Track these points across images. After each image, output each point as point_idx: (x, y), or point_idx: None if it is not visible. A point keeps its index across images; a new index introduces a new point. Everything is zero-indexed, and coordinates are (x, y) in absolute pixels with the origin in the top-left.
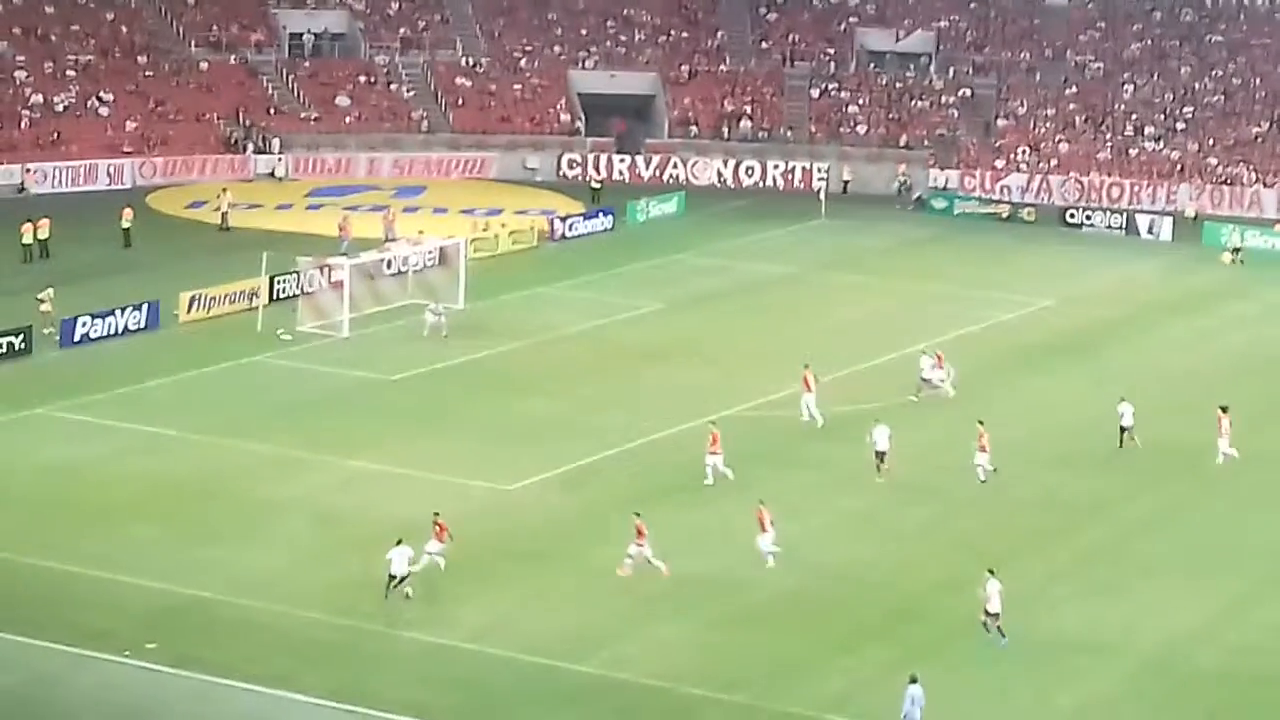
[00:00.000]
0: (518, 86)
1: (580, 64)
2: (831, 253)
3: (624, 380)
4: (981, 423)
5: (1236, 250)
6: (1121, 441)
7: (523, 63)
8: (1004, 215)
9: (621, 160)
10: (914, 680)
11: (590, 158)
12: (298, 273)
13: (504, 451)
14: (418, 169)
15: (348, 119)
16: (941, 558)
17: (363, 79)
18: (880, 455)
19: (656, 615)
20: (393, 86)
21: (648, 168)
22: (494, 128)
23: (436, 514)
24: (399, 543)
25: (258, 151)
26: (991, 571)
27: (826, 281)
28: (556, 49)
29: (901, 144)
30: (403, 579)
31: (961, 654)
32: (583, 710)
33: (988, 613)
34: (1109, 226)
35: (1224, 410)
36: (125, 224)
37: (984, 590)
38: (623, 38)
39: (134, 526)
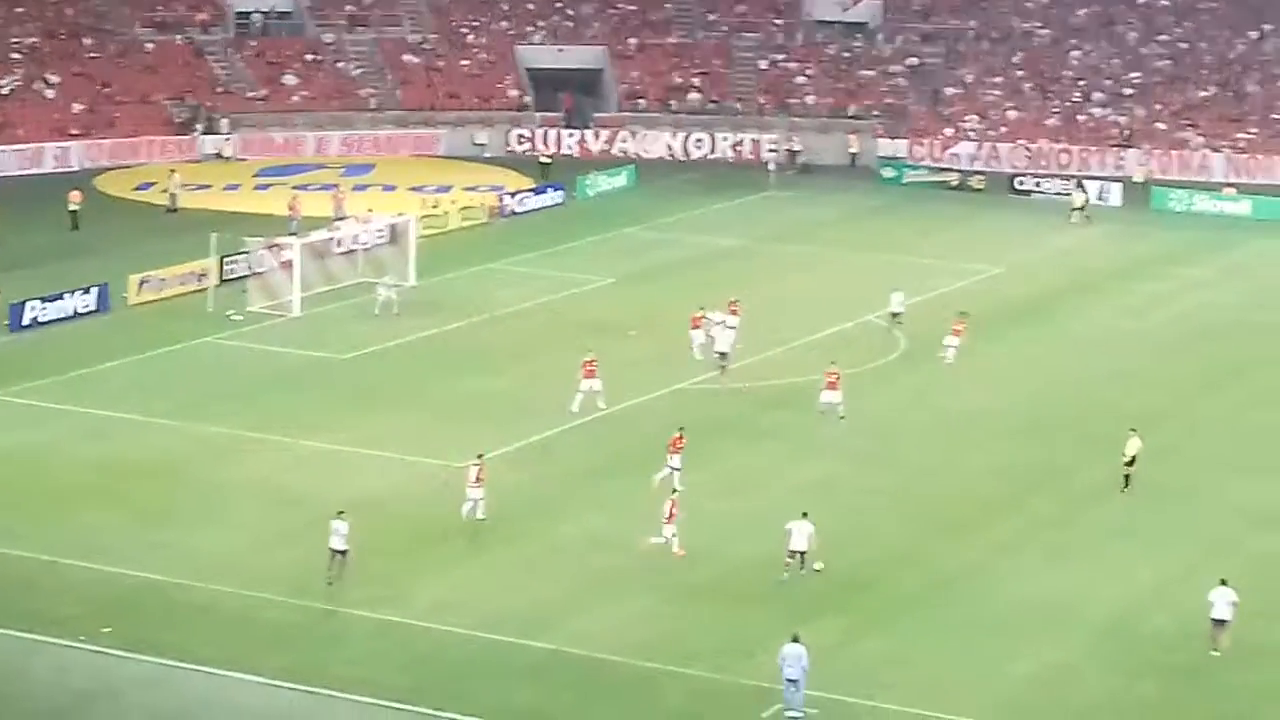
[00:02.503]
0: (465, 63)
1: (527, 39)
2: (782, 224)
3: (576, 355)
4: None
5: (1080, 208)
6: (891, 327)
7: (470, 39)
8: (953, 184)
9: (570, 135)
10: (795, 639)
11: (539, 133)
12: (247, 253)
13: (457, 428)
14: (366, 147)
15: (295, 98)
16: (897, 527)
17: (310, 57)
18: (722, 355)
19: (613, 589)
20: (340, 64)
21: (597, 142)
22: (442, 104)
23: (480, 455)
24: (340, 514)
25: (205, 132)
26: (805, 514)
27: (778, 253)
28: (503, 24)
29: (850, 114)
30: (340, 554)
31: (918, 622)
32: (539, 685)
33: (791, 551)
34: (1058, 193)
35: (963, 315)
36: (73, 207)
37: (791, 529)
38: (569, 12)
39: (87, 511)
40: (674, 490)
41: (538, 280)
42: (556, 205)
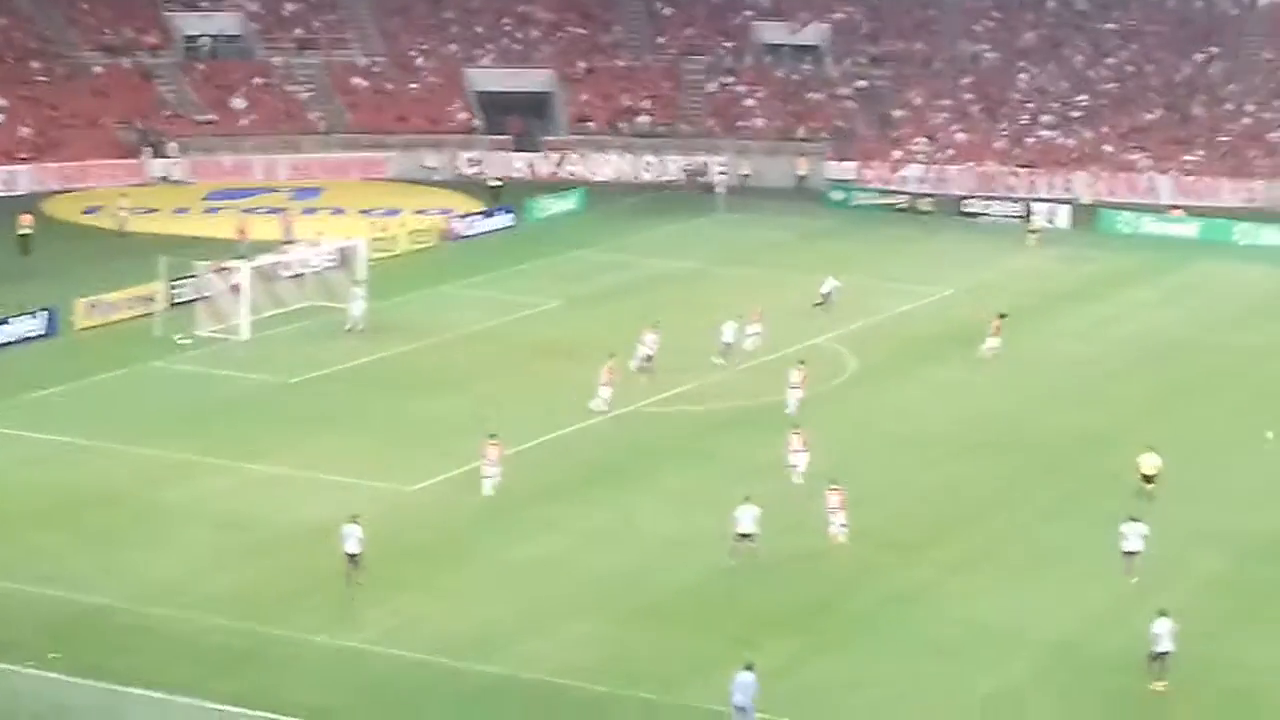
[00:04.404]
0: (414, 86)
1: (476, 62)
2: (731, 246)
3: (526, 378)
4: (797, 430)
5: (1034, 231)
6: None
7: (419, 62)
8: (902, 206)
9: (520, 158)
10: (748, 668)
11: (489, 156)
12: (196, 276)
13: (406, 451)
14: (315, 170)
15: (244, 121)
16: (846, 548)
17: (258, 81)
18: (647, 363)
19: (563, 613)
20: (288, 88)
21: (546, 165)
22: (391, 127)
23: (493, 435)
24: (353, 520)
25: (154, 155)
26: (748, 498)
27: (727, 275)
28: (452, 47)
29: (799, 136)
30: (353, 558)
31: (870, 643)
32: (490, 710)
33: (739, 534)
34: (1006, 215)
35: (1002, 316)
36: (23, 231)
37: (735, 514)
38: (519, 35)
39: (35, 535)
40: (797, 482)
41: (488, 303)
42: (506, 228)
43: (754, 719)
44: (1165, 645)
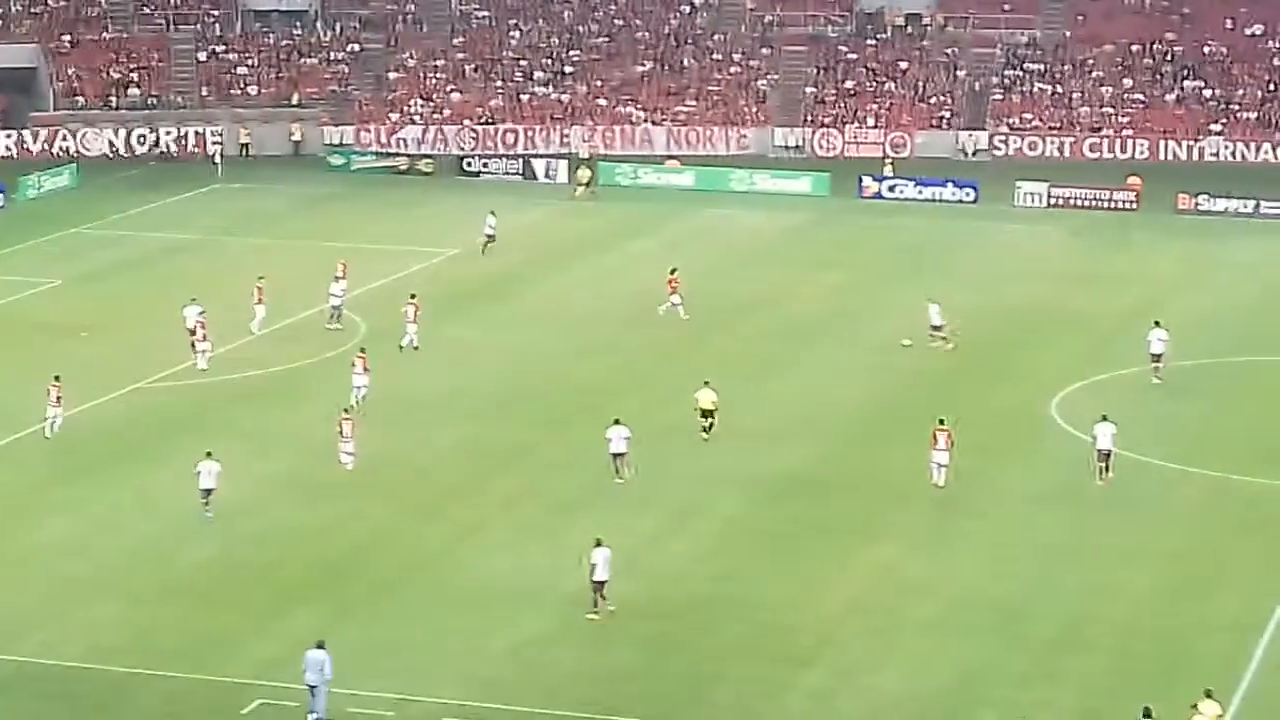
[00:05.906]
0: None
1: None
2: (232, 217)
3: (29, 360)
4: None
5: (586, 184)
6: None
7: None
8: (402, 168)
9: (7, 135)
10: (319, 645)
11: None
12: None
13: None
14: None
15: None
16: (368, 512)
17: None
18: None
19: (83, 596)
20: None
21: (35, 142)
22: None
23: (57, 377)
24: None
25: None
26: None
27: (230, 246)
28: None
29: (294, 102)
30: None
31: (394, 606)
32: (10, 699)
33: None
34: (507, 172)
35: (673, 271)
36: None
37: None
38: None
39: None
40: (349, 408)
41: None
42: None
43: (325, 695)
44: (602, 574)
